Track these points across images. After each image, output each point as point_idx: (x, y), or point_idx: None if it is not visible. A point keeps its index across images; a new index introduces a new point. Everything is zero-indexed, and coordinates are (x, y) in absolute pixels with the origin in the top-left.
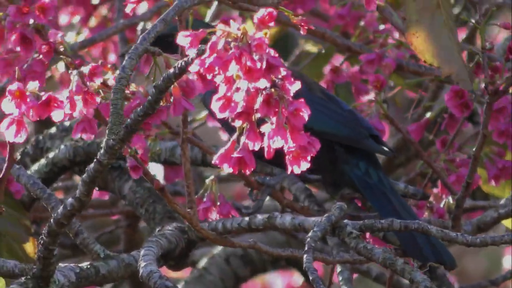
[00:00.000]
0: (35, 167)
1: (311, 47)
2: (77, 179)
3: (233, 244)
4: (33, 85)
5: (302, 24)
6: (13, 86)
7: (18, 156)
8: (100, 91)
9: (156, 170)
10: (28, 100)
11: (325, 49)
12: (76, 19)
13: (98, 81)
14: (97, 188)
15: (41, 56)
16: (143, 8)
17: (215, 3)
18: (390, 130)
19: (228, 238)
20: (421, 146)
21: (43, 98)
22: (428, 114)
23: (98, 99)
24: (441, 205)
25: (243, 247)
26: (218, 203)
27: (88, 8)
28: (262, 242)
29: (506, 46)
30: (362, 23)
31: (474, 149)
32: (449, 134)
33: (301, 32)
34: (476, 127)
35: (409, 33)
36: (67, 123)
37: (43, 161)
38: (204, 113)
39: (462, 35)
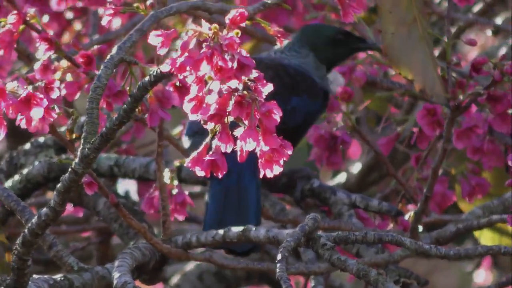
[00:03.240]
0: (9, 183)
1: None
2: (51, 195)
3: (188, 257)
4: (12, 85)
5: (279, 35)
6: None
7: None
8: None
9: (130, 186)
10: (7, 97)
11: None
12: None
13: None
14: (72, 205)
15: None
16: (117, 23)
17: None
18: (363, 148)
19: (183, 252)
20: (395, 161)
21: (23, 95)
22: (399, 128)
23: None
24: (406, 218)
25: (198, 260)
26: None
27: (62, 23)
28: (235, 258)
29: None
30: None
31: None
32: (423, 150)
33: (277, 45)
34: (451, 144)
35: (385, 45)
36: (41, 139)
37: (17, 177)
38: (179, 128)
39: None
